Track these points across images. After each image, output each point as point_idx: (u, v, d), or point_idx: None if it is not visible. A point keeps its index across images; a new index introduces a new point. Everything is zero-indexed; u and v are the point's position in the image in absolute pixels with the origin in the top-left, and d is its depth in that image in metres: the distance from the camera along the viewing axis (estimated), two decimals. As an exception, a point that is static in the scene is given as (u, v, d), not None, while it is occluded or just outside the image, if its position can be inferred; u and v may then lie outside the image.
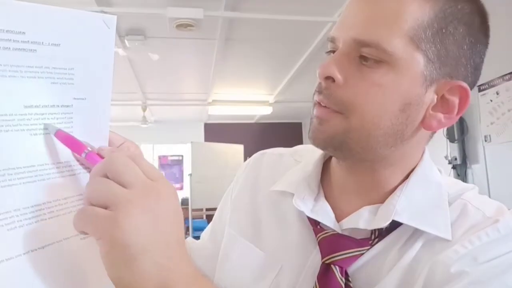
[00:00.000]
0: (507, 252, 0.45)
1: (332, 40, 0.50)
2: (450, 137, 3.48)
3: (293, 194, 0.56)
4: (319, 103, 0.49)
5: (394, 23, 0.45)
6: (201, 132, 8.39)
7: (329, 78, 0.48)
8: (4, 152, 0.38)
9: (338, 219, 0.53)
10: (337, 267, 0.50)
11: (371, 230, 0.50)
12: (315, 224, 0.54)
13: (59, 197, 0.42)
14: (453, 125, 3.45)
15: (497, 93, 3.09)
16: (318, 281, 0.51)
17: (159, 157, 8.81)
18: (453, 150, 3.47)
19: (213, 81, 5.34)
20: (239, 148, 5.72)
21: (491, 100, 3.15)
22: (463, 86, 0.49)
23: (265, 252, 0.57)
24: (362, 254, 0.50)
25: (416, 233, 0.49)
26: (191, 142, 5.60)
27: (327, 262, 0.51)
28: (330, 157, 0.59)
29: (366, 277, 0.49)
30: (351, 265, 0.50)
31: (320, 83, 0.49)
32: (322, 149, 0.52)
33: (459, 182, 0.56)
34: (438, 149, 3.56)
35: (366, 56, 0.46)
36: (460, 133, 3.45)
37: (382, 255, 0.50)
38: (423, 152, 0.55)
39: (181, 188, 8.64)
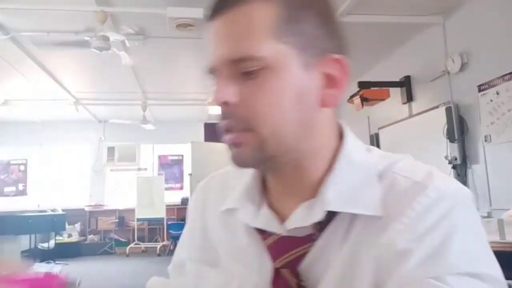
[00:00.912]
0: (441, 216, 0.45)
1: (212, 71, 0.52)
2: (450, 137, 3.48)
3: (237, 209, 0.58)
4: (227, 130, 0.51)
5: (253, 30, 0.48)
6: (201, 132, 8.39)
7: (226, 103, 0.50)
8: None
9: (283, 222, 0.54)
10: (287, 269, 0.51)
11: (313, 225, 0.51)
12: (262, 233, 0.54)
13: None
14: (453, 125, 3.45)
15: (497, 93, 3.09)
16: (273, 287, 0.52)
17: (159, 157, 8.81)
18: (453, 150, 3.47)
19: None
20: (239, 148, 5.71)
21: (491, 100, 3.15)
22: (335, 57, 0.52)
23: (223, 273, 0.58)
24: (308, 250, 0.50)
25: (354, 217, 0.50)
26: (191, 142, 5.61)
27: (277, 266, 0.52)
28: None
29: (316, 272, 0.50)
30: (300, 264, 0.50)
31: (221, 111, 0.51)
32: (250, 167, 0.54)
33: (390, 155, 0.55)
34: (438, 149, 3.56)
35: (246, 71, 0.49)
36: (460, 133, 3.45)
37: (326, 247, 0.50)
38: (344, 136, 0.56)
39: (181, 188, 8.64)
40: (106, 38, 3.36)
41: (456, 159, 3.44)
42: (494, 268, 0.45)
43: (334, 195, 0.50)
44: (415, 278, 0.42)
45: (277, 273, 0.52)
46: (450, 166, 3.47)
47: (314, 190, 0.52)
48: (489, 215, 2.98)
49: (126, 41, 3.69)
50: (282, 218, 0.54)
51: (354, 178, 0.52)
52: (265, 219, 0.55)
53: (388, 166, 0.52)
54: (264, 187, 0.58)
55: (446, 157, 3.50)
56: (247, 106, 0.49)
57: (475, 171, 3.36)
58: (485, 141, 3.21)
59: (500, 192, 3.10)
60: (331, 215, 0.50)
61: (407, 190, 0.49)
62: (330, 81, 0.52)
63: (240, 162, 0.51)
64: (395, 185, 0.50)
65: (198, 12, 3.25)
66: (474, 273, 0.43)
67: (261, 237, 0.54)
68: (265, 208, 0.56)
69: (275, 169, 0.54)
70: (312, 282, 0.50)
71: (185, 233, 0.69)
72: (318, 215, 0.49)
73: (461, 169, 3.44)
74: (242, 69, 0.49)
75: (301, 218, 0.51)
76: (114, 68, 4.77)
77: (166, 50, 4.25)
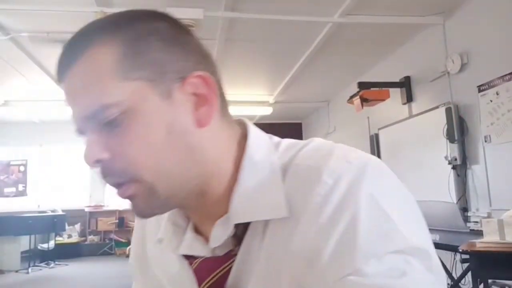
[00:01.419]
0: (340, 202, 0.42)
1: (79, 131, 0.49)
2: (450, 137, 3.48)
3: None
4: (113, 186, 0.48)
5: (99, 78, 0.45)
6: (201, 132, 8.38)
7: (98, 161, 0.46)
8: None
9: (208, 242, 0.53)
10: None
11: (232, 241, 0.50)
12: (190, 258, 0.54)
13: None
14: (453, 126, 3.45)
15: (497, 94, 3.09)
16: None
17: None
18: (453, 150, 3.47)
19: (213, 81, 5.34)
20: (239, 148, 5.71)
21: (491, 101, 3.15)
22: (196, 75, 0.48)
23: None
24: (231, 267, 0.50)
25: (266, 224, 0.48)
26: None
27: None
28: None
29: (243, 287, 0.49)
30: (226, 282, 0.50)
31: (98, 170, 0.48)
32: (153, 216, 0.51)
33: (296, 144, 0.52)
34: (438, 149, 3.56)
35: (107, 121, 0.45)
36: (460, 133, 3.45)
37: (246, 260, 0.49)
38: (248, 138, 0.52)
39: (181, 188, 8.65)
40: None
41: (456, 159, 3.44)
42: (416, 236, 0.41)
43: (240, 206, 0.48)
44: (329, 281, 0.40)
45: None
46: (450, 166, 3.47)
47: (226, 205, 0.50)
48: (489, 215, 2.97)
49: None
50: (207, 239, 0.52)
51: (259, 182, 0.49)
52: (189, 244, 0.54)
53: (291, 157, 0.50)
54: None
55: (446, 158, 3.50)
56: (120, 158, 0.46)
57: (475, 171, 3.36)
58: (485, 141, 3.21)
59: (500, 192, 3.10)
60: (245, 227, 0.49)
61: (305, 179, 0.46)
62: (200, 100, 0.48)
63: (140, 214, 0.49)
64: (297, 177, 0.47)
65: (198, 12, 3.26)
66: (393, 251, 0.39)
67: (188, 262, 0.53)
68: (189, 233, 0.55)
69: (179, 206, 0.52)
70: None
71: (131, 262, 0.68)
72: (229, 230, 0.49)
73: (461, 169, 3.44)
74: (103, 121, 0.45)
75: (218, 236, 0.50)
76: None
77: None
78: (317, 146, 0.51)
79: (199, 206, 0.52)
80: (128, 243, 7.87)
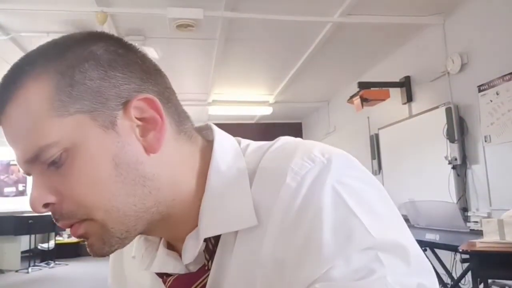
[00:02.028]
0: (302, 205, 0.40)
1: (26, 173, 0.46)
2: (450, 137, 3.48)
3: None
4: (65, 226, 0.45)
5: (33, 119, 0.42)
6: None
7: (47, 205, 0.44)
8: None
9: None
10: None
11: (204, 256, 0.48)
12: (163, 275, 0.51)
13: None
14: (453, 126, 3.45)
15: (497, 93, 3.09)
16: None
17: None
18: (453, 150, 3.47)
19: (213, 81, 5.34)
20: (239, 148, 5.71)
21: (491, 101, 3.15)
22: (140, 98, 0.45)
23: None
24: (205, 282, 0.47)
25: (235, 235, 0.45)
26: (191, 142, 5.58)
27: None
28: None
29: None
30: None
31: (51, 213, 0.45)
32: (112, 253, 0.47)
33: (262, 146, 0.50)
34: (438, 149, 3.56)
35: (48, 162, 0.43)
36: (460, 133, 3.45)
37: (219, 274, 0.46)
38: (213, 147, 0.49)
39: (181, 188, 8.64)
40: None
41: (456, 159, 3.44)
42: (387, 231, 0.39)
43: (209, 220, 0.46)
44: None
45: None
46: (450, 166, 3.47)
47: (196, 219, 0.47)
48: (489, 215, 2.98)
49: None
50: (180, 254, 0.50)
51: (227, 192, 0.46)
52: (162, 261, 0.51)
53: (257, 160, 0.47)
54: None
55: (446, 158, 3.50)
56: (68, 199, 0.43)
57: (475, 171, 3.36)
58: (485, 141, 3.21)
59: (500, 192, 3.10)
60: (217, 240, 0.46)
61: (270, 183, 0.44)
62: (149, 122, 0.45)
63: (97, 253, 0.46)
64: (262, 181, 0.45)
65: (198, 12, 3.26)
66: (360, 249, 0.37)
67: (162, 280, 0.51)
68: (161, 249, 0.52)
69: (144, 233, 0.49)
70: None
71: (110, 276, 0.65)
72: (199, 245, 0.46)
73: (461, 169, 3.44)
74: (45, 162, 0.42)
75: (190, 251, 0.47)
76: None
77: (166, 50, 4.25)
78: (281, 146, 0.48)
79: (165, 227, 0.49)
80: (128, 243, 7.87)
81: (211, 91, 5.85)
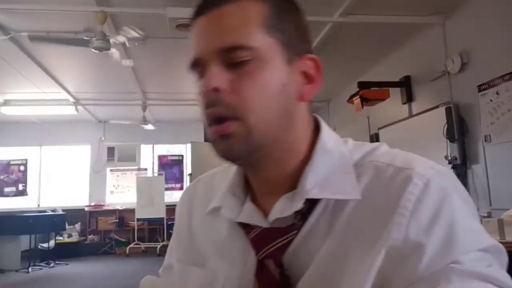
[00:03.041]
0: (438, 203, 0.47)
1: (197, 62, 0.53)
2: (450, 137, 3.48)
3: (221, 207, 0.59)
4: (214, 119, 0.51)
5: (247, 22, 0.51)
6: (201, 132, 8.37)
7: (215, 90, 0.51)
8: None
9: (266, 217, 0.55)
10: (270, 260, 0.52)
11: (295, 216, 0.52)
12: (246, 227, 0.56)
13: None
14: (453, 125, 3.45)
15: (497, 93, 3.09)
16: (256, 278, 0.53)
17: (159, 157, 8.81)
18: (453, 150, 3.47)
19: (213, 81, 5.33)
20: (239, 148, 5.71)
21: (491, 100, 3.15)
22: (311, 57, 0.56)
23: (209, 271, 0.59)
24: (291, 240, 0.52)
25: (337, 209, 0.51)
26: (191, 142, 5.61)
27: (261, 258, 0.53)
28: None
29: (301, 262, 0.51)
30: (284, 254, 0.52)
31: (207, 100, 0.52)
32: (237, 160, 0.54)
33: (365, 144, 0.58)
34: (438, 149, 3.56)
35: (235, 61, 0.51)
36: (460, 133, 3.45)
37: (309, 237, 0.51)
38: (320, 129, 0.58)
39: (181, 188, 8.64)
40: (106, 38, 3.36)
41: (456, 159, 3.44)
42: (490, 238, 0.48)
43: (312, 184, 0.52)
44: (432, 269, 0.44)
45: (260, 264, 0.53)
46: (450, 166, 3.47)
47: (294, 182, 0.54)
48: (489, 215, 2.97)
49: (126, 42, 3.69)
50: (265, 213, 0.55)
51: (331, 167, 0.54)
52: (248, 213, 0.56)
53: (366, 154, 0.55)
54: (247, 184, 0.60)
55: (446, 157, 3.50)
56: (236, 94, 0.50)
57: (475, 171, 3.36)
58: (485, 141, 3.21)
59: (500, 192, 3.10)
60: (312, 206, 0.52)
61: (392, 177, 0.50)
62: (307, 78, 0.55)
63: (227, 154, 0.52)
64: (379, 171, 0.52)
65: (198, 12, 3.25)
66: (480, 248, 0.46)
67: (245, 231, 0.56)
68: (248, 203, 0.57)
69: (258, 163, 0.54)
70: (296, 272, 0.51)
71: (173, 235, 0.71)
72: (298, 204, 0.51)
73: (461, 169, 3.44)
74: (233, 59, 0.51)
75: (282, 209, 0.52)
76: (114, 68, 4.77)
77: (166, 50, 4.25)
78: (392, 150, 0.57)
79: (269, 174, 0.55)
80: (128, 243, 7.88)
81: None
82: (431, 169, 0.51)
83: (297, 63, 0.54)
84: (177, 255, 0.67)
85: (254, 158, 0.53)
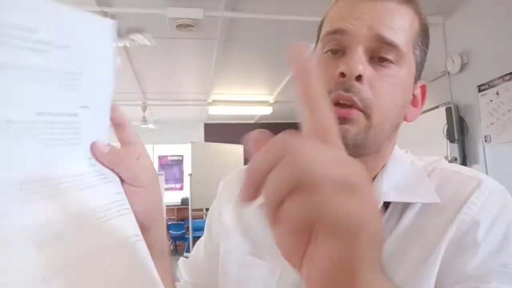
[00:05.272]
0: (497, 212, 0.51)
1: (340, 32, 0.52)
2: (450, 137, 3.48)
3: None
4: (338, 103, 0.50)
5: (410, 28, 0.53)
6: (201, 132, 8.39)
7: (360, 77, 0.50)
8: (20, 164, 0.34)
9: None
10: None
11: None
12: None
13: (83, 210, 0.39)
14: (453, 126, 3.45)
15: (497, 93, 3.09)
16: None
17: (159, 157, 8.81)
18: (453, 150, 3.47)
19: (213, 81, 5.34)
20: (239, 148, 5.72)
21: (491, 100, 3.15)
22: (422, 84, 0.61)
23: (270, 262, 0.58)
24: None
25: (405, 207, 0.54)
26: (191, 142, 5.60)
27: None
28: None
29: None
30: None
31: (347, 85, 0.50)
32: (354, 146, 0.52)
33: (424, 156, 0.62)
34: (438, 149, 3.56)
35: (383, 56, 0.51)
36: (460, 133, 3.45)
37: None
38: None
39: (181, 188, 8.64)
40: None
41: (456, 159, 3.44)
42: None
43: (388, 188, 0.55)
44: (485, 267, 0.47)
45: None
46: (450, 166, 3.47)
47: None
48: (489, 215, 2.98)
49: (126, 41, 3.69)
50: None
51: (403, 172, 0.57)
52: None
53: (432, 163, 0.59)
54: None
55: (446, 157, 3.50)
56: (373, 90, 0.51)
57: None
58: (485, 141, 3.21)
59: (500, 192, 3.09)
60: (382, 207, 0.54)
61: (460, 183, 0.54)
62: (414, 101, 0.59)
63: (345, 137, 0.52)
64: (447, 178, 0.55)
65: (198, 12, 3.26)
66: None
67: None
68: None
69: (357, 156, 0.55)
70: None
71: (213, 219, 0.71)
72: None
73: (461, 169, 3.44)
74: (381, 53, 0.51)
75: None
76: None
77: (166, 50, 4.25)
78: (452, 163, 0.61)
79: None
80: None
81: (211, 91, 5.85)
82: (493, 181, 0.56)
83: (415, 85, 0.58)
84: (224, 241, 0.65)
85: (355, 152, 0.52)
